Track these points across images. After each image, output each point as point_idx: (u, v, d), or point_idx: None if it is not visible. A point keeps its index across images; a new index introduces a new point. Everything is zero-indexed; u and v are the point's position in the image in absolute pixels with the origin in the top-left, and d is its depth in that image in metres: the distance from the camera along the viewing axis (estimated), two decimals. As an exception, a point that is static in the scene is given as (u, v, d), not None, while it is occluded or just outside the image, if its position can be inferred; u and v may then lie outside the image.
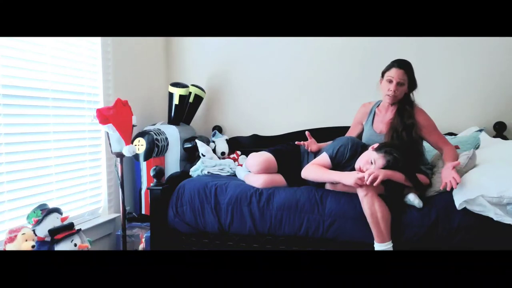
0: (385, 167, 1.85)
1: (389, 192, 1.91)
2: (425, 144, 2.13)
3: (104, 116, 2.00)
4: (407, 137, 2.01)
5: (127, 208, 2.61)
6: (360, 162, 1.95)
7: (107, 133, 2.10)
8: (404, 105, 2.08)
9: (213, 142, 2.92)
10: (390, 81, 2.04)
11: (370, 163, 1.88)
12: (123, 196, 2.18)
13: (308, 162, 2.17)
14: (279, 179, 2.18)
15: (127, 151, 2.06)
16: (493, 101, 2.73)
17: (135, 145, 2.56)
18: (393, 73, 2.03)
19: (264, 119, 3.16)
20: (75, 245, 1.72)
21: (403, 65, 2.04)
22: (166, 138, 2.72)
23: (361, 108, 2.29)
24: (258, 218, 2.07)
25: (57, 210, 1.80)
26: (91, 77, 2.37)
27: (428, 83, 2.11)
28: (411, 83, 2.07)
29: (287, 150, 2.30)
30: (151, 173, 2.22)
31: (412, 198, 1.90)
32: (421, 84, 2.11)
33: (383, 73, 2.12)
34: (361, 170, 1.91)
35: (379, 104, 2.20)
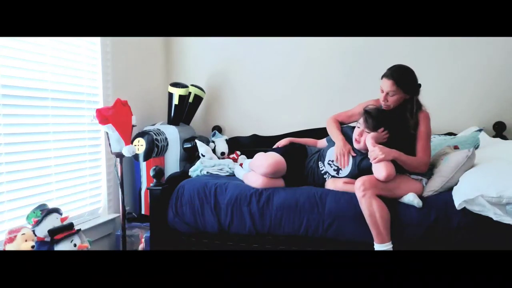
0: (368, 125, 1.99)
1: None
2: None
3: (103, 116, 2.00)
4: (409, 145, 2.01)
5: (127, 208, 2.61)
6: (354, 134, 2.09)
7: (107, 133, 2.10)
8: (404, 112, 2.04)
9: (213, 142, 2.92)
10: (382, 91, 2.04)
11: (358, 127, 2.05)
12: (122, 196, 2.18)
13: (315, 163, 2.19)
14: (278, 180, 2.16)
15: (127, 151, 2.06)
16: (493, 101, 2.73)
17: (135, 145, 2.56)
18: (382, 83, 2.03)
19: (264, 119, 3.16)
20: (75, 245, 1.72)
21: (393, 75, 1.98)
22: (166, 138, 2.73)
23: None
24: (257, 218, 2.07)
25: (56, 211, 1.80)
26: (90, 77, 2.36)
27: (427, 82, 2.11)
28: (408, 90, 2.01)
29: (294, 150, 2.28)
30: (151, 173, 2.22)
31: (412, 198, 1.90)
32: (420, 83, 2.10)
33: None
34: (357, 141, 2.06)
35: None
